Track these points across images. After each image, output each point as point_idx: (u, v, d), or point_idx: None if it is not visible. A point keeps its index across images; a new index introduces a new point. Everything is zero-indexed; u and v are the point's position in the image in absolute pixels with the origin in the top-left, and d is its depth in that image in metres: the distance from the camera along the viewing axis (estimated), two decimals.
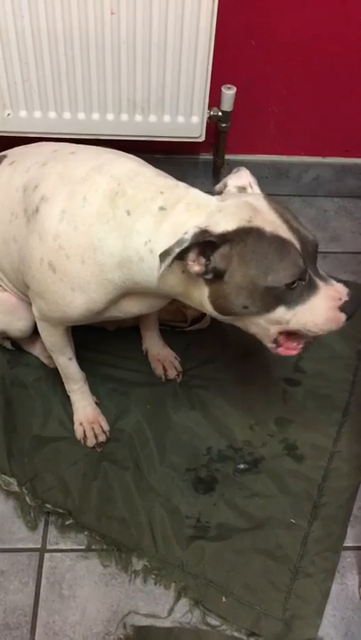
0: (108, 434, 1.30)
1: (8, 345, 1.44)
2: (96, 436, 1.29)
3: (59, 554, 1.17)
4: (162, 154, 1.78)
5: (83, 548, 1.17)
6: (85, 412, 1.29)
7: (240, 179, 1.02)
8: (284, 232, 0.92)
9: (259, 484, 1.25)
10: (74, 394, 1.29)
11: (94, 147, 1.12)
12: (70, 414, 1.32)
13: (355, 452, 1.31)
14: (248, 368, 1.44)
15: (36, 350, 1.44)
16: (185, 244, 0.89)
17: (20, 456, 1.26)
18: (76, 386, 1.28)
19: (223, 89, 1.58)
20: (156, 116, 1.54)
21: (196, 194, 0.98)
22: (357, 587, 1.14)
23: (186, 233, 0.90)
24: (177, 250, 0.89)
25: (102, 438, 1.29)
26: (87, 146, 1.13)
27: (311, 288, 0.94)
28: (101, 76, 1.46)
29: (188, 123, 1.56)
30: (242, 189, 1.02)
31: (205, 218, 0.93)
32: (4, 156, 1.22)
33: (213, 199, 0.97)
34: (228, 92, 1.58)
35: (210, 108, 1.58)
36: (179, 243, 0.89)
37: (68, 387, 1.29)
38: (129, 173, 0.99)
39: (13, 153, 1.23)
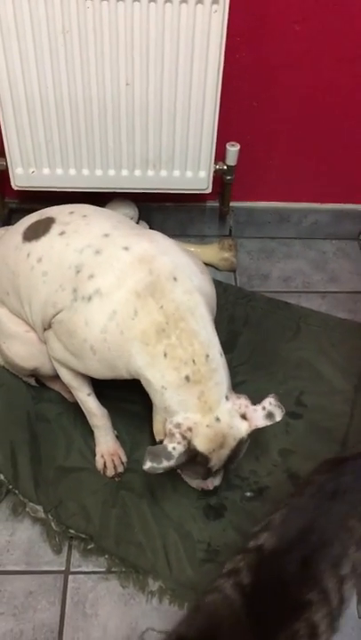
0: (125, 465, 1.41)
1: (32, 382, 1.55)
2: (115, 467, 1.39)
3: (82, 576, 1.27)
4: (171, 202, 1.93)
5: (103, 570, 1.27)
6: (107, 445, 1.40)
7: (259, 420, 1.20)
8: (210, 455, 1.17)
9: (264, 511, 1.34)
10: (97, 430, 1.40)
11: (146, 241, 1.22)
12: (90, 446, 1.43)
13: None
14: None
15: (56, 386, 1.54)
16: (172, 462, 1.12)
17: (45, 485, 1.36)
18: (100, 423, 1.38)
19: (228, 146, 1.73)
20: (166, 171, 1.68)
21: (214, 384, 1.15)
22: (356, 605, 1.24)
23: (174, 449, 1.12)
24: (165, 464, 1.12)
25: (121, 469, 1.40)
26: (138, 238, 1.23)
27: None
28: (117, 137, 1.61)
29: (196, 177, 1.70)
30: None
31: (201, 425, 1.14)
32: (52, 221, 1.29)
33: (223, 402, 1.16)
34: (233, 149, 1.72)
35: (216, 162, 1.72)
36: (167, 455, 1.12)
37: (91, 422, 1.39)
38: (175, 313, 1.15)
39: (61, 219, 1.29)
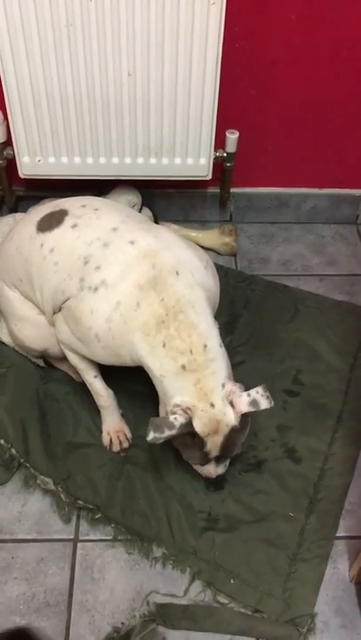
0: (130, 441, 1.48)
1: (40, 362, 1.62)
2: (120, 443, 1.46)
3: (89, 543, 1.34)
4: (173, 188, 1.98)
5: (110, 538, 1.35)
6: (113, 423, 1.47)
7: (243, 406, 1.23)
8: (205, 439, 1.22)
9: (262, 483, 1.42)
10: (104, 410, 1.47)
11: (151, 236, 1.27)
12: (96, 424, 1.50)
13: (347, 455, 1.47)
14: (252, 381, 1.60)
15: (64, 366, 1.60)
16: (173, 432, 1.18)
17: (54, 459, 1.43)
18: (106, 403, 1.45)
19: (227, 133, 1.78)
20: (168, 159, 1.74)
21: (210, 372, 1.21)
22: (347, 570, 1.31)
23: (176, 419, 1.18)
24: (167, 433, 1.17)
25: (126, 445, 1.47)
26: (144, 233, 1.28)
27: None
28: (120, 126, 1.66)
29: (197, 164, 1.75)
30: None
31: (197, 409, 1.20)
32: (66, 213, 1.34)
33: (218, 390, 1.21)
34: (232, 137, 1.78)
35: (216, 150, 1.77)
36: (168, 425, 1.18)
37: (98, 402, 1.46)
38: (175, 305, 1.22)
39: (73, 212, 1.34)
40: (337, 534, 1.35)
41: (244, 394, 1.24)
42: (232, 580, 1.28)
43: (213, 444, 1.24)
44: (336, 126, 1.86)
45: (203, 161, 1.75)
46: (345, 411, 1.56)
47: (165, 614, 1.23)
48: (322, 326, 1.74)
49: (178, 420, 1.18)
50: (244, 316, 1.77)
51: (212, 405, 1.21)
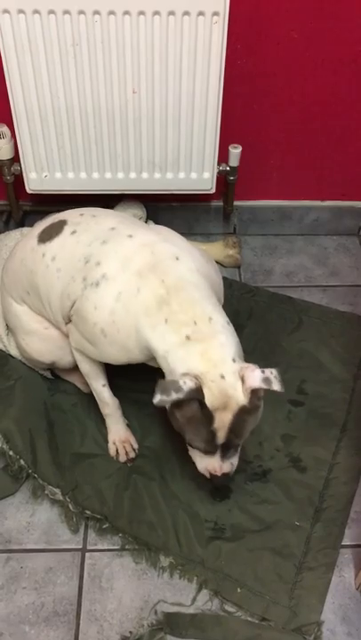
0: (137, 451, 1.49)
1: (48, 374, 1.64)
2: (127, 453, 1.48)
3: (97, 553, 1.36)
4: (178, 202, 2.01)
5: (118, 547, 1.36)
6: (118, 433, 1.49)
7: (255, 381, 1.15)
8: (214, 413, 1.15)
9: (267, 492, 1.43)
10: (108, 418, 1.48)
11: (151, 232, 1.30)
12: (103, 434, 1.52)
13: (351, 464, 1.48)
14: None
15: (72, 378, 1.62)
16: (180, 395, 1.11)
17: (62, 470, 1.45)
18: (110, 411, 1.47)
19: (230, 148, 1.80)
20: (172, 174, 1.77)
21: (219, 344, 1.15)
22: (353, 578, 1.32)
23: (185, 383, 1.11)
24: (173, 396, 1.11)
25: (132, 455, 1.48)
26: (143, 229, 1.31)
27: (212, 452, 1.23)
28: (125, 142, 1.69)
29: (201, 178, 1.78)
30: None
31: (207, 379, 1.13)
32: (65, 222, 1.38)
33: (229, 362, 1.15)
34: (235, 151, 1.80)
35: (219, 164, 1.80)
36: (176, 388, 1.11)
37: (103, 411, 1.48)
38: (177, 284, 1.20)
39: (72, 220, 1.38)
40: (343, 543, 1.36)
41: (258, 370, 1.16)
42: (239, 589, 1.29)
43: (221, 422, 1.16)
44: (338, 140, 1.88)
45: (206, 175, 1.78)
46: (349, 420, 1.57)
47: (173, 623, 1.24)
48: (325, 337, 1.76)
49: (187, 384, 1.11)
50: (248, 326, 1.79)
51: (223, 377, 1.13)
